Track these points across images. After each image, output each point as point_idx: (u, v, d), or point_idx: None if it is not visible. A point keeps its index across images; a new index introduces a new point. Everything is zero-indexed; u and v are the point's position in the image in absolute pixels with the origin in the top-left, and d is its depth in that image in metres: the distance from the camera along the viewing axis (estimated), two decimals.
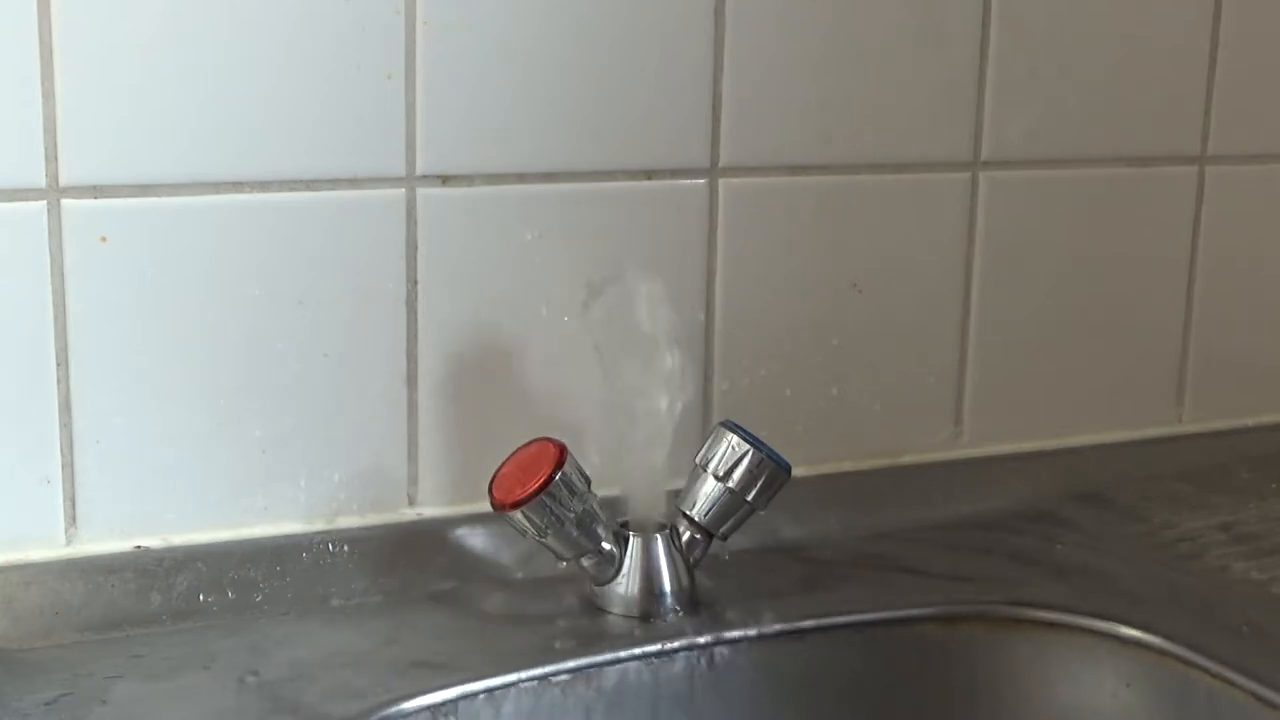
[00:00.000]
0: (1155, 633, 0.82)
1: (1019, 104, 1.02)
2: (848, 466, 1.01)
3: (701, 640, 0.82)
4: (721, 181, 0.95)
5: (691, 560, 0.85)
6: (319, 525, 0.88)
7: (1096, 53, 1.05)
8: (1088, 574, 0.91)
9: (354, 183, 0.86)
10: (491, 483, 0.81)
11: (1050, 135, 1.04)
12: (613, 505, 0.85)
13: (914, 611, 0.87)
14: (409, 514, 0.91)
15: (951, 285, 1.03)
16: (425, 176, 0.88)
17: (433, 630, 0.82)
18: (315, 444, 0.88)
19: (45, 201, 0.80)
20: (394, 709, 0.74)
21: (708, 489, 0.83)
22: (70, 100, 0.79)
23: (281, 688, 0.75)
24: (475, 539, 0.90)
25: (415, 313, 0.89)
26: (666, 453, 0.84)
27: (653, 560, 0.84)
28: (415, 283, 0.89)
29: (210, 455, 0.86)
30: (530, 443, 0.82)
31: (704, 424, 0.95)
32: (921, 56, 0.99)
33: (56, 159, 0.80)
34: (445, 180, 0.88)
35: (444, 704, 0.75)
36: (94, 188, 0.81)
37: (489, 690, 0.76)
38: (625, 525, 0.85)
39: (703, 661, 0.82)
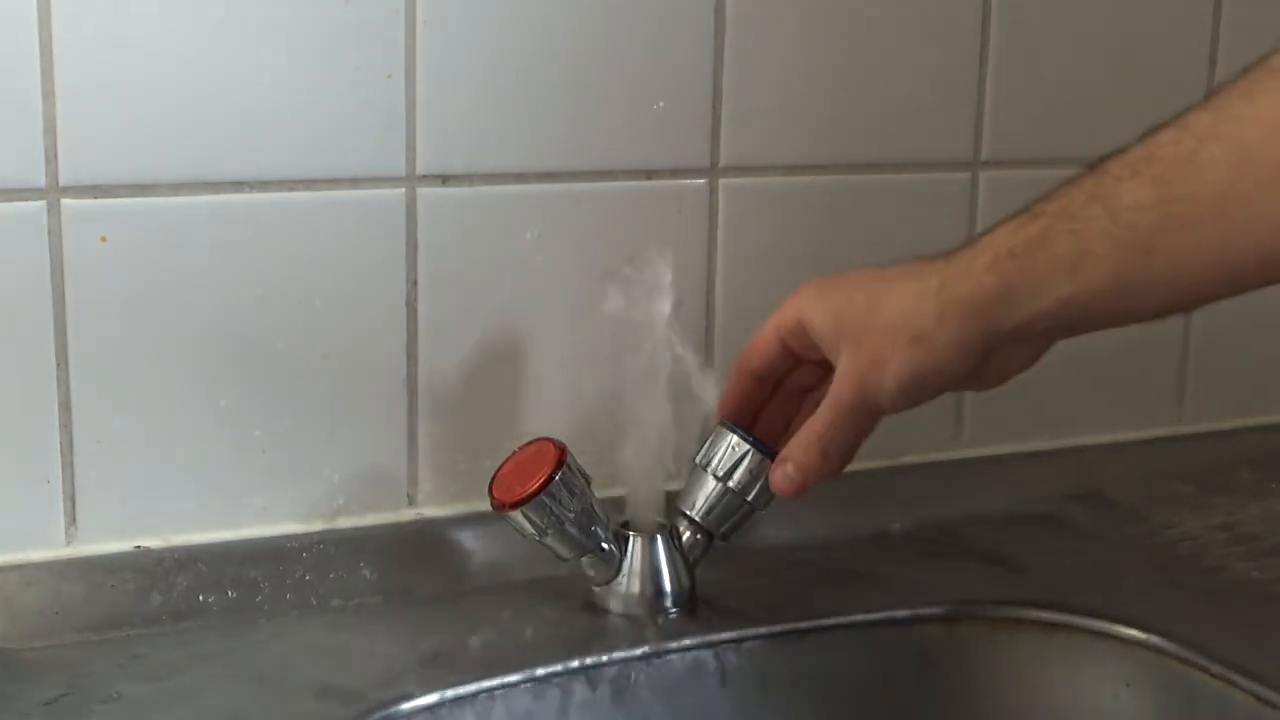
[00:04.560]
0: (1155, 633, 0.82)
1: (1019, 104, 1.02)
2: (848, 466, 1.01)
3: (701, 640, 0.82)
4: (721, 181, 0.95)
5: (691, 560, 0.85)
6: (319, 525, 0.88)
7: (1096, 53, 1.05)
8: (1088, 574, 0.91)
9: (354, 183, 0.86)
10: (491, 483, 0.81)
11: (1050, 135, 1.04)
12: (613, 505, 0.85)
13: (914, 611, 0.86)
14: (409, 514, 0.91)
15: None
16: (425, 176, 0.88)
17: (433, 630, 0.82)
18: (315, 444, 0.88)
19: (45, 201, 0.80)
20: (394, 709, 0.74)
21: (708, 489, 0.83)
22: (70, 100, 0.79)
23: (281, 688, 0.75)
24: (475, 539, 0.90)
25: (415, 313, 0.89)
26: (666, 453, 0.85)
27: (653, 560, 0.84)
28: (415, 283, 0.89)
29: (210, 455, 0.86)
30: (530, 443, 0.82)
31: (704, 424, 0.95)
32: (921, 56, 0.99)
33: (56, 159, 0.80)
34: (445, 180, 0.88)
35: (444, 704, 0.75)
36: (94, 188, 0.81)
37: (489, 690, 0.76)
38: (625, 525, 0.85)
39: (703, 661, 0.82)
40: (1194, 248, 0.66)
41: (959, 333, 0.71)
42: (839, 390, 0.75)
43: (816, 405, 0.78)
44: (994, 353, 0.73)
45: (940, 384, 0.73)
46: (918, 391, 0.74)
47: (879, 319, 0.73)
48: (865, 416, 0.76)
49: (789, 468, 0.78)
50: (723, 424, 0.84)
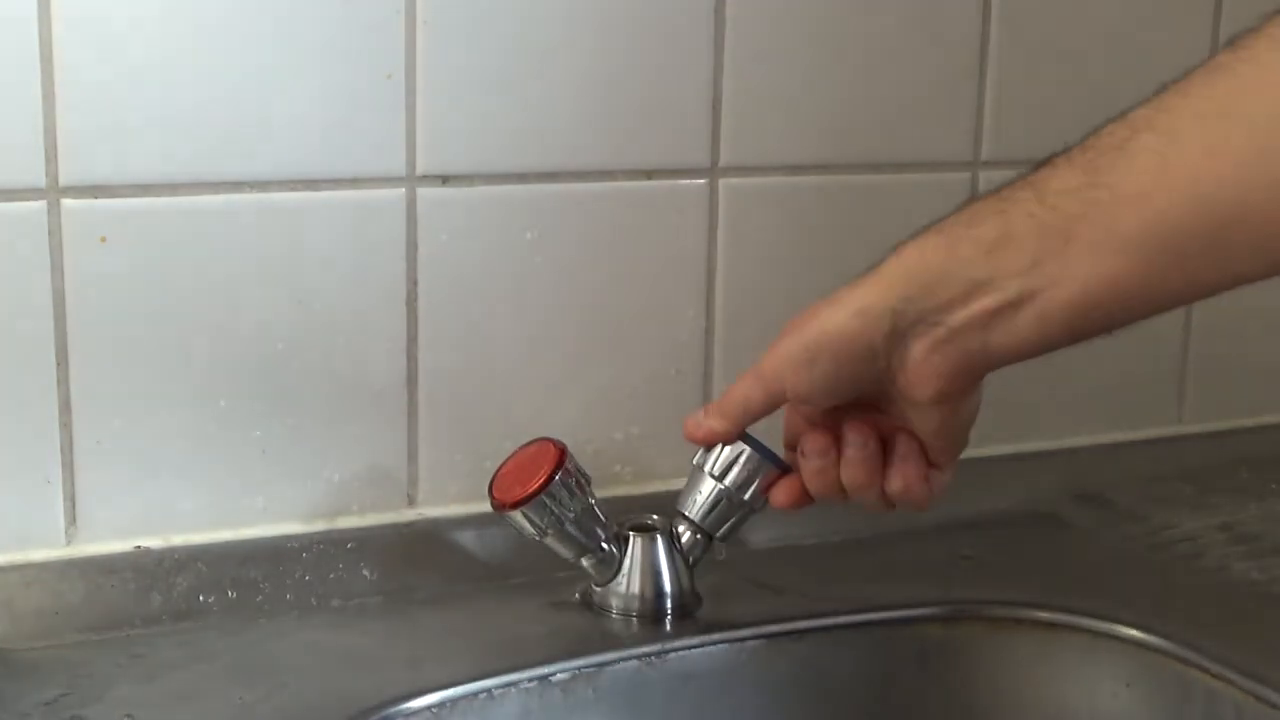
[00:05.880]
0: (1155, 633, 0.82)
1: (1019, 104, 1.02)
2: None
3: (701, 640, 0.82)
4: (721, 181, 0.95)
5: (691, 560, 0.85)
6: (319, 525, 0.88)
7: (1096, 53, 1.04)
8: (1088, 574, 0.91)
9: (354, 183, 0.86)
10: (491, 483, 0.81)
11: (1050, 135, 1.03)
12: (612, 505, 0.85)
13: (914, 611, 0.86)
14: (409, 514, 0.91)
15: None
16: (425, 176, 0.88)
17: (433, 630, 0.82)
18: (315, 444, 0.88)
19: (45, 201, 0.80)
20: (394, 709, 0.74)
21: (706, 490, 0.83)
22: (70, 100, 0.79)
23: (282, 688, 0.75)
24: (475, 539, 0.90)
25: (415, 313, 0.89)
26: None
27: (653, 560, 0.84)
28: (415, 283, 0.89)
29: (210, 455, 0.86)
30: (530, 443, 0.82)
31: None
32: (921, 56, 0.99)
33: (56, 159, 0.80)
34: (445, 180, 0.88)
35: (444, 704, 0.75)
36: (94, 188, 0.81)
37: (489, 690, 0.76)
38: (625, 525, 0.85)
39: (702, 662, 0.82)
40: (1114, 241, 0.65)
41: (865, 300, 0.71)
42: (762, 359, 0.76)
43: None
44: (904, 340, 0.71)
45: (841, 359, 0.72)
46: (820, 358, 0.72)
47: (818, 305, 0.74)
48: (774, 390, 0.76)
49: (715, 422, 0.79)
50: None
